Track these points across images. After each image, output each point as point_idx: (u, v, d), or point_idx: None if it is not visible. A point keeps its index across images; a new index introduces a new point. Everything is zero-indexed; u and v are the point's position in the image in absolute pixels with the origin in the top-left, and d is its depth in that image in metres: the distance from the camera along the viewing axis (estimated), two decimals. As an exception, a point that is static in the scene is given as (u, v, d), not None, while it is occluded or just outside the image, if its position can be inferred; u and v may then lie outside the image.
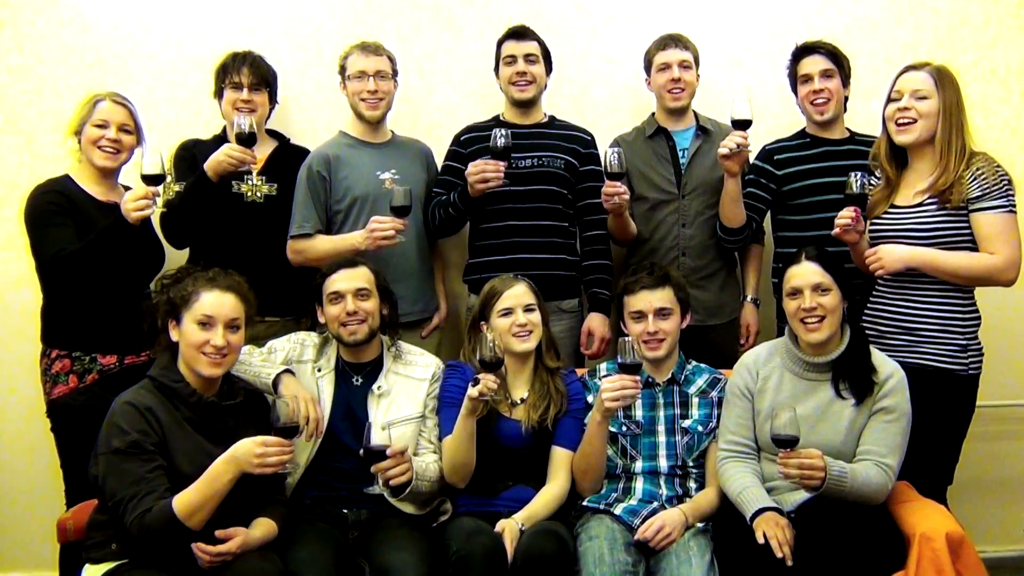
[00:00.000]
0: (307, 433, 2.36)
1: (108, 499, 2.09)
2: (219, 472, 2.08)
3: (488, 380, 2.27)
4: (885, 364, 2.39)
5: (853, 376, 2.37)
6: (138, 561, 2.10)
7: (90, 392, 2.61)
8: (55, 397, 2.65)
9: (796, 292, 2.41)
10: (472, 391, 2.29)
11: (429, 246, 3.07)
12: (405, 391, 2.54)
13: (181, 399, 2.19)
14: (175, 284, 2.26)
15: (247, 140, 2.62)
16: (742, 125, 2.71)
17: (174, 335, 2.22)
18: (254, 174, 2.90)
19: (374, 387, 2.51)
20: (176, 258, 2.87)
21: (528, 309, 2.56)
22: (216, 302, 2.21)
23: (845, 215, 2.52)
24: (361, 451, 2.24)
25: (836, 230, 2.54)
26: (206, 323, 2.19)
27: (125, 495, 2.05)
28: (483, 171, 2.74)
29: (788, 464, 2.15)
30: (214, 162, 2.64)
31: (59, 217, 2.60)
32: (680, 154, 3.04)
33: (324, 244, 2.85)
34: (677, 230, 2.99)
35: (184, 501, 2.04)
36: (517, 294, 2.57)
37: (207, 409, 2.21)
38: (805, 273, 2.40)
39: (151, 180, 2.51)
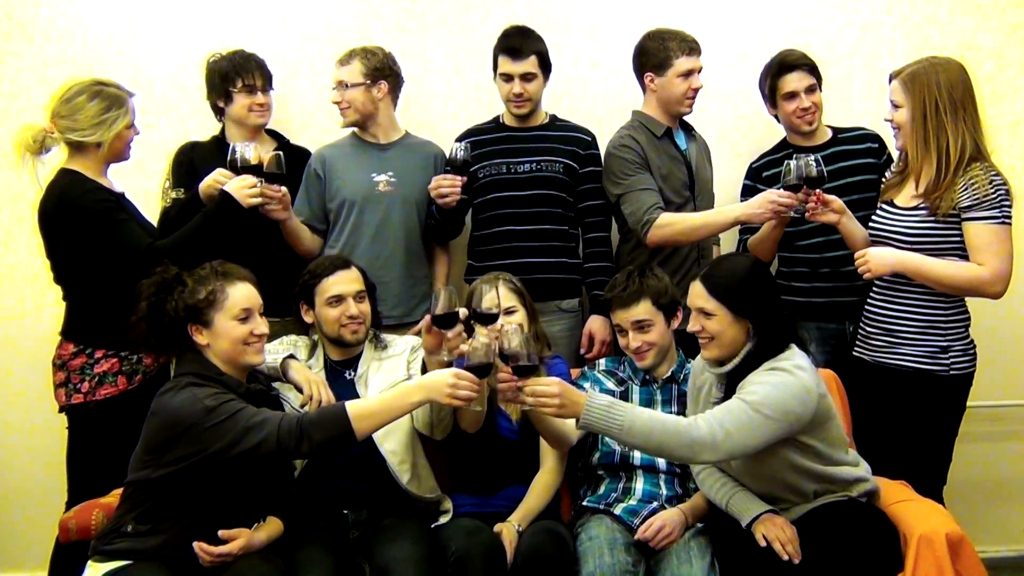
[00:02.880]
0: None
1: (223, 439, 2.01)
2: (407, 391, 2.12)
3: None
4: (779, 362, 2.16)
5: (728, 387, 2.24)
6: (142, 558, 2.07)
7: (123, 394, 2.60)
8: (100, 398, 2.59)
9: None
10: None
11: (425, 250, 3.06)
12: (387, 368, 2.57)
13: (231, 389, 2.14)
14: (176, 290, 2.19)
15: (255, 169, 2.59)
16: (814, 183, 2.57)
17: (201, 339, 2.17)
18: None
19: (356, 375, 2.54)
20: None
21: (506, 312, 2.54)
22: (247, 294, 2.21)
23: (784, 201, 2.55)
24: (431, 316, 2.22)
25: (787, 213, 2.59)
26: (246, 317, 2.19)
27: (256, 420, 2.03)
28: (439, 186, 2.75)
29: (524, 392, 2.04)
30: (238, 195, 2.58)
31: (120, 213, 2.56)
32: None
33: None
34: None
35: (359, 406, 2.10)
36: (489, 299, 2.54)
37: (256, 397, 2.20)
38: (690, 296, 2.27)
39: (251, 170, 2.57)
